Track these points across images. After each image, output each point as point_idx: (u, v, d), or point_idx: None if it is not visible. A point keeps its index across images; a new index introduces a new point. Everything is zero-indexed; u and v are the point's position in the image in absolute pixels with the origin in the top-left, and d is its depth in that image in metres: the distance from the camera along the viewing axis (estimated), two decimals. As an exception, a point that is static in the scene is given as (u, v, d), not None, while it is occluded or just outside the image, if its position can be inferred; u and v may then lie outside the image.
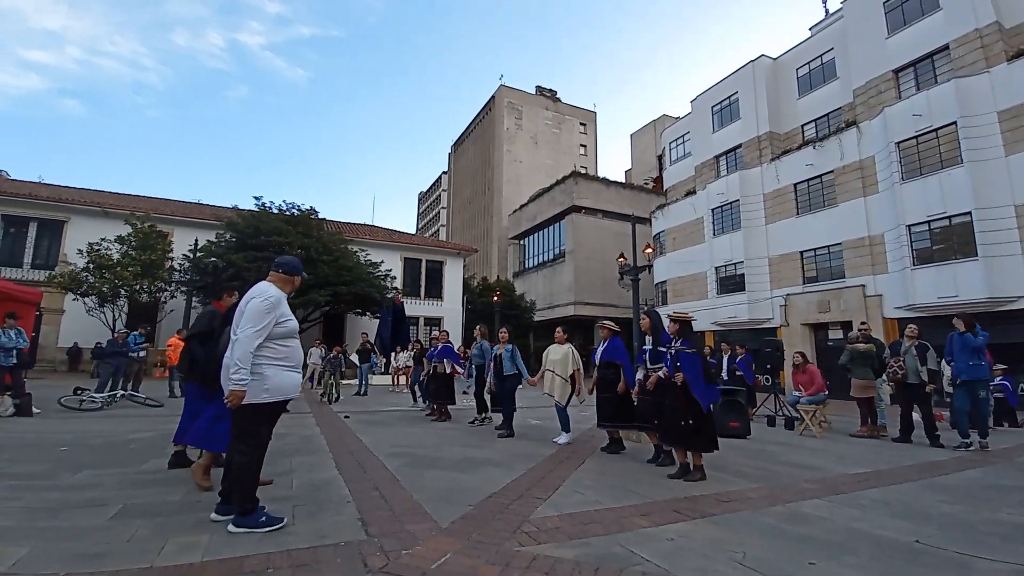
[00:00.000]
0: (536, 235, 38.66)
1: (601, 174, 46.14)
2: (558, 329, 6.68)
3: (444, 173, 75.03)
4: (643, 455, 5.46)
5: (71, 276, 18.96)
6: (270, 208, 22.92)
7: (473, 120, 61.44)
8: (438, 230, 73.04)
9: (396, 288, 24.78)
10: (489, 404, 7.74)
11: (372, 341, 16.27)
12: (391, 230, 33.05)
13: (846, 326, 17.12)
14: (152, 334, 20.76)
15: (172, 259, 21.25)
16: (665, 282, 26.85)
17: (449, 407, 8.54)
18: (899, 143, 16.35)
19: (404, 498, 3.66)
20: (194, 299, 20.09)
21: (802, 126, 22.00)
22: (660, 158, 33.58)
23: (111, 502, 3.33)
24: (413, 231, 75.88)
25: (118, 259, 19.27)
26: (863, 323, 8.81)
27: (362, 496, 3.68)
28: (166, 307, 21.51)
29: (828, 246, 19.16)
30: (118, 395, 9.21)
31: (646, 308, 6.94)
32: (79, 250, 19.76)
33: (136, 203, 24.15)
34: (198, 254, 20.66)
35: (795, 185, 20.54)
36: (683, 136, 28.52)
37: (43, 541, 2.62)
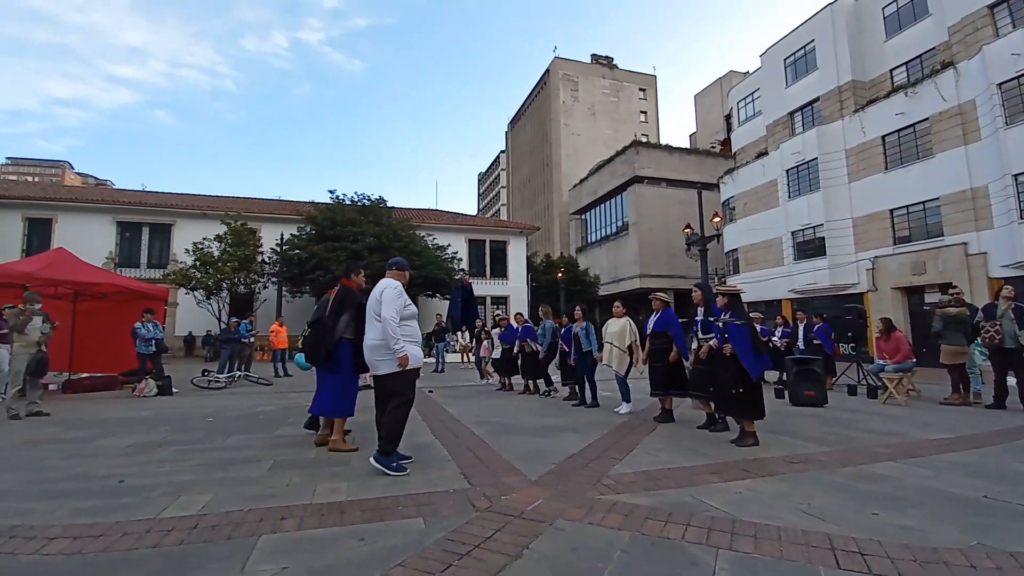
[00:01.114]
0: (598, 209, 38.22)
1: (664, 141, 44.49)
2: (616, 303, 7.03)
3: (502, 152, 75.26)
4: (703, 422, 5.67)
5: (182, 273, 21.43)
6: (343, 200, 24.45)
7: (528, 96, 60.89)
8: (499, 210, 73.78)
9: (463, 270, 25.72)
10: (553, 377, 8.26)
11: (445, 322, 17.22)
12: (454, 213, 34.04)
13: (945, 288, 15.84)
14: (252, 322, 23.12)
15: (262, 253, 23.35)
16: (736, 250, 25.82)
17: (533, 382, 9.01)
18: (1000, 84, 14.61)
19: (495, 457, 4.19)
20: (284, 289, 22.09)
21: (890, 71, 20.03)
22: (728, 119, 31.80)
23: (263, 459, 4.12)
24: (475, 212, 77.17)
25: (218, 255, 21.53)
26: (953, 286, 8.28)
27: (459, 456, 4.25)
28: (260, 297, 23.72)
29: (923, 202, 17.59)
30: (236, 375, 10.59)
31: (699, 281, 7.11)
32: (186, 249, 22.24)
33: (229, 204, 26.56)
34: (284, 247, 22.59)
35: (883, 137, 18.89)
36: (752, 94, 26.86)
37: (221, 489, 3.36)
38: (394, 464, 3.68)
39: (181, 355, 23.53)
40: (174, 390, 9.12)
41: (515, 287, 29.99)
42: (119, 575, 2.13)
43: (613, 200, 35.95)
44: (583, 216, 40.71)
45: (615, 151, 36.54)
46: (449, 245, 26.04)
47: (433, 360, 14.83)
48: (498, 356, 9.79)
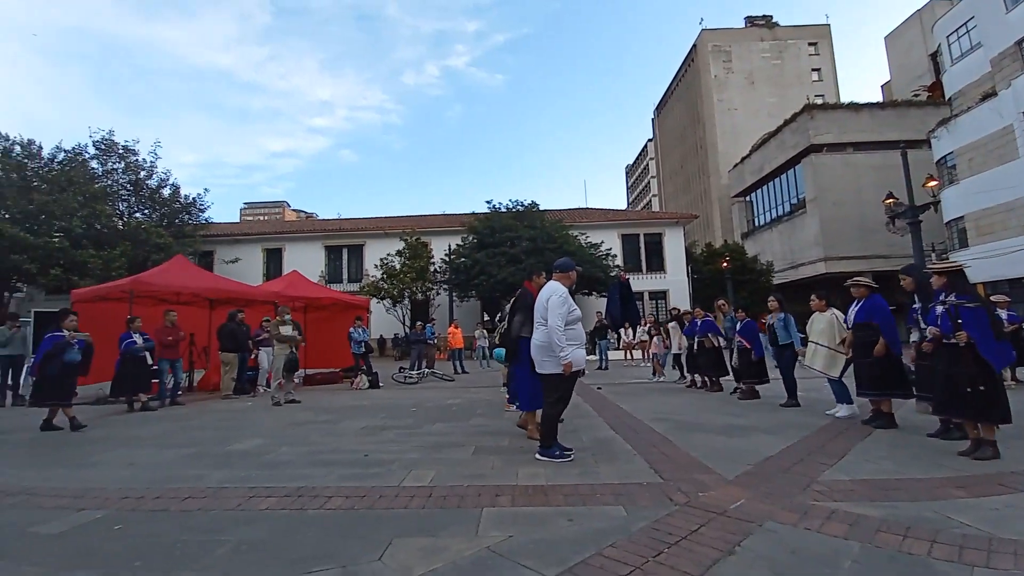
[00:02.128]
0: (764, 188, 34.41)
1: (845, 99, 38.01)
2: (813, 296, 6.12)
3: (649, 141, 72.31)
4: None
5: (373, 285, 25.04)
6: (499, 209, 26.02)
7: (674, 78, 57.53)
8: (650, 201, 71.02)
9: (618, 266, 25.38)
10: (735, 376, 7.67)
11: (605, 318, 17.22)
12: (605, 209, 33.75)
13: None
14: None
15: (434, 263, 26.11)
16: (962, 218, 20.98)
17: (712, 379, 8.58)
18: None
19: (682, 454, 4.11)
20: (454, 294, 24.39)
21: None
22: (934, 58, 25.96)
23: (466, 444, 4.67)
24: (624, 206, 75.40)
25: (399, 268, 24.69)
26: None
27: (644, 451, 4.27)
28: (435, 303, 26.48)
29: None
30: (425, 372, 12.05)
31: (908, 264, 5.82)
32: (375, 265, 25.97)
33: (405, 222, 30.23)
34: (451, 257, 24.95)
35: None
36: (966, 23, 21.58)
37: (441, 467, 3.91)
38: (557, 453, 3.93)
39: (375, 355, 27.51)
40: (380, 384, 10.74)
41: (674, 280, 28.57)
42: (385, 528, 2.66)
43: (784, 176, 32.00)
44: (747, 198, 37.01)
45: (782, 121, 32.43)
46: (602, 242, 25.94)
47: (596, 358, 14.93)
48: (677, 351, 9.58)
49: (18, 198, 21.26)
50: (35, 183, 22.64)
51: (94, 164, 24.75)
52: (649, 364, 14.94)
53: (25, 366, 10.48)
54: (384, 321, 26.06)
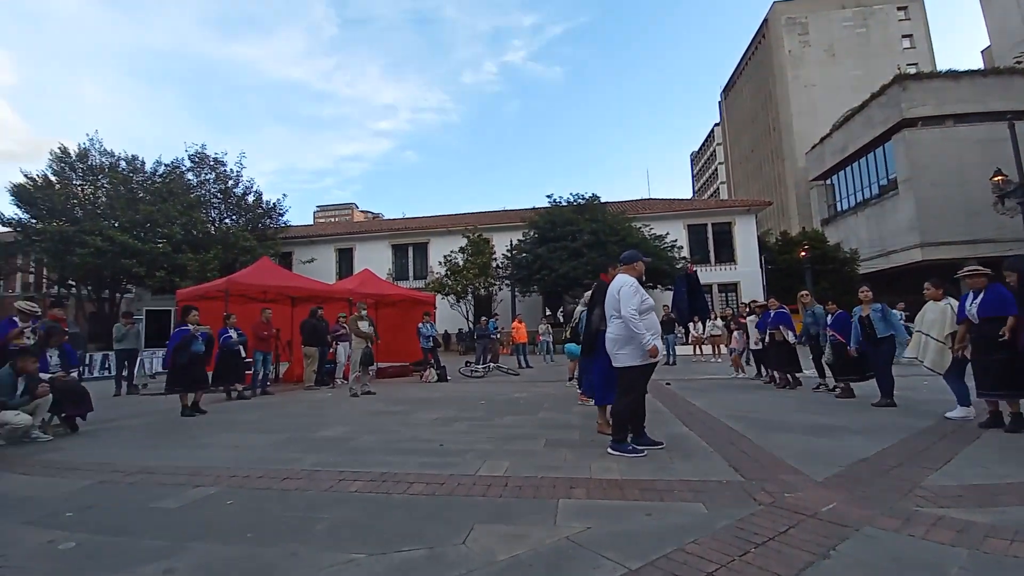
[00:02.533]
0: (848, 170, 31.76)
1: (942, 66, 34.21)
2: (927, 284, 5.48)
3: (716, 125, 68.99)
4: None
5: (438, 282, 25.77)
6: (560, 203, 25.87)
7: (742, 57, 54.38)
8: (717, 189, 67.84)
9: (685, 257, 24.51)
10: (829, 371, 7.16)
11: (672, 312, 16.70)
12: (669, 199, 32.63)
13: None
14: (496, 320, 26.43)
15: (495, 259, 26.44)
16: (1088, 195, 18.29)
17: (787, 375, 8.13)
18: None
19: (763, 453, 3.94)
20: (516, 289, 24.61)
21: None
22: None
23: (537, 437, 4.74)
24: (690, 196, 72.49)
25: (463, 265, 25.23)
26: None
27: (721, 448, 4.13)
28: (497, 298, 26.82)
29: None
30: (490, 366, 12.28)
31: (1010, 259, 5.09)
32: (439, 262, 26.71)
33: (467, 219, 30.81)
34: (513, 252, 25.15)
35: None
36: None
37: (514, 458, 3.99)
38: (629, 448, 3.91)
39: (441, 350, 28.29)
40: (448, 378, 11.07)
41: (746, 271, 27.13)
42: (466, 514, 2.77)
43: (871, 155, 29.37)
44: (827, 181, 34.36)
45: (868, 95, 29.72)
46: (667, 233, 25.14)
47: (664, 353, 14.54)
48: (755, 347, 9.16)
49: (126, 209, 23.82)
50: (140, 195, 25.27)
51: (190, 176, 27.23)
52: (719, 360, 14.38)
53: (138, 358, 11.78)
54: (448, 317, 26.75)
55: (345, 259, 31.58)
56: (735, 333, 10.52)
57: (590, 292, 6.14)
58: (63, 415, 5.56)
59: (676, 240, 25.38)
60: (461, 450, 4.27)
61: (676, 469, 3.55)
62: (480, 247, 25.83)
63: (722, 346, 15.55)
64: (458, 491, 3.18)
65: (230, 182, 27.88)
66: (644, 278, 4.43)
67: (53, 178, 25.01)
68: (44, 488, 3.53)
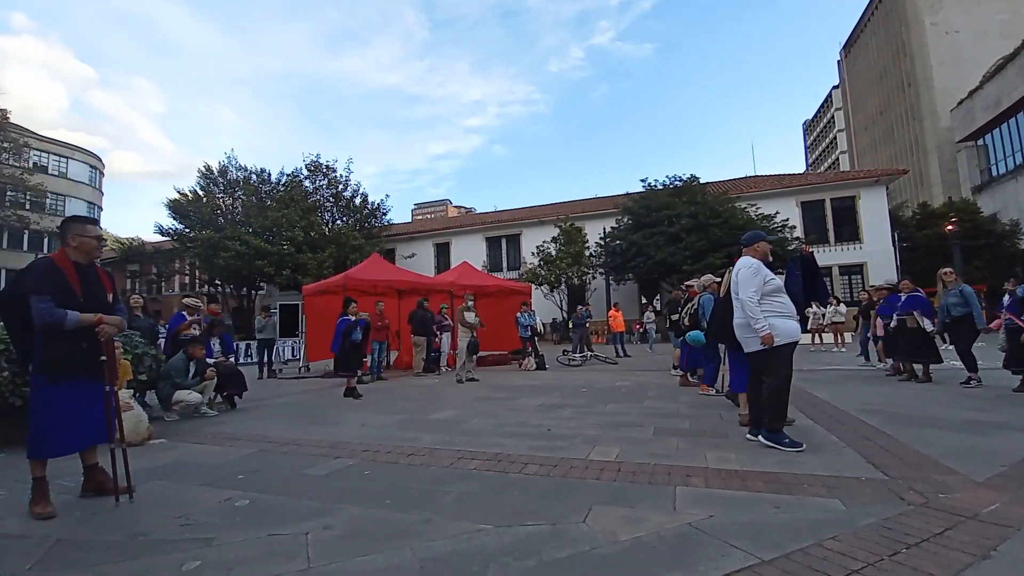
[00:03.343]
0: (1004, 127, 26.91)
1: None
2: None
3: (834, 88, 61.82)
4: None
5: (531, 272, 26.08)
6: (655, 186, 24.85)
7: (867, 7, 47.92)
8: (837, 159, 60.92)
9: (799, 238, 22.41)
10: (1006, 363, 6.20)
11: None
12: (778, 175, 29.91)
13: None
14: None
15: (588, 248, 26.12)
16: None
17: (919, 365, 7.20)
18: None
19: (908, 451, 3.54)
20: (610, 278, 24.15)
21: None
22: None
23: (645, 425, 4.67)
24: (803, 169, 65.87)
25: (555, 255, 25.26)
26: None
27: (855, 443, 3.78)
28: (591, 287, 26.53)
29: None
30: (588, 355, 12.23)
31: None
32: (531, 252, 26.99)
33: (558, 209, 30.77)
34: (606, 240, 24.68)
35: None
36: None
37: (623, 444, 3.97)
38: (786, 441, 3.60)
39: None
40: (547, 366, 11.22)
41: (873, 251, 24.12)
42: (581, 495, 2.83)
43: (1038, 107, 24.58)
44: (979, 142, 29.37)
45: (1021, 41, 24.80)
46: (777, 213, 23.09)
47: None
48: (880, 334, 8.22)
49: (258, 216, 26.99)
50: (268, 203, 28.49)
51: (306, 183, 30.14)
52: (842, 349, 13.05)
53: (275, 346, 13.34)
54: (542, 307, 26.92)
55: (442, 253, 33.08)
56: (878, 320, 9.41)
57: (708, 278, 6.04)
58: (224, 394, 6.51)
59: (788, 219, 23.24)
60: (569, 435, 4.35)
61: (804, 463, 3.31)
62: (572, 236, 25.69)
63: (846, 334, 14.08)
64: (571, 474, 3.26)
65: (340, 186, 30.43)
66: (770, 258, 4.07)
67: (200, 193, 29.13)
68: (216, 455, 4.18)
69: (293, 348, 17.05)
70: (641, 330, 23.77)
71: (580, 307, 13.61)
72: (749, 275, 3.76)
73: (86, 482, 3.14)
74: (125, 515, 2.79)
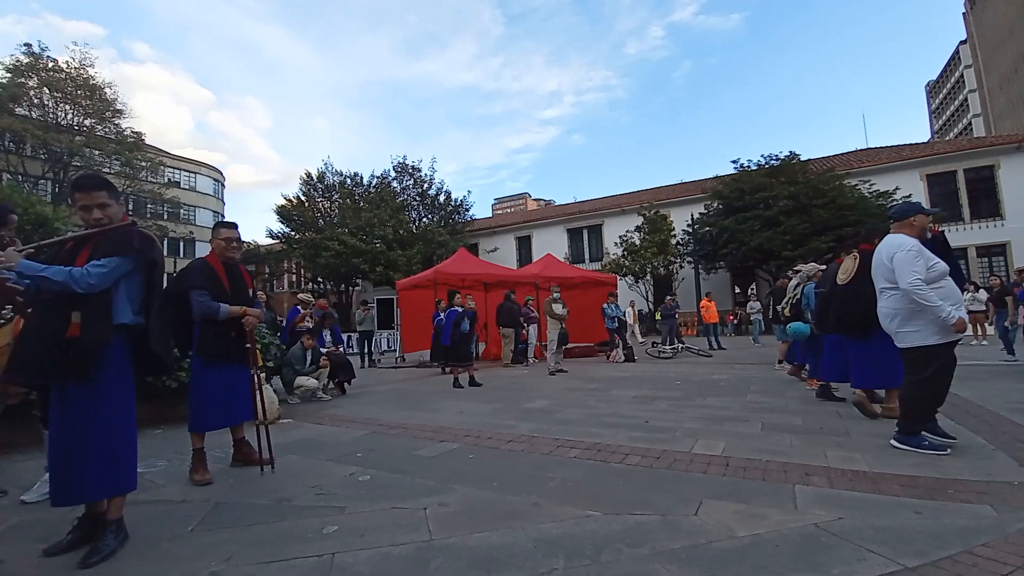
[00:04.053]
0: None
1: None
2: None
3: (962, 43, 53.75)
4: None
5: (614, 263, 25.52)
6: (748, 167, 23.21)
7: (1008, -57, 40.95)
8: (969, 125, 53.05)
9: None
10: None
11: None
12: (896, 146, 26.63)
13: None
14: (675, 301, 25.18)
15: (674, 236, 25.04)
16: None
17: None
18: None
19: (1081, 457, 3.04)
20: (699, 267, 23.00)
21: None
22: None
23: (750, 420, 4.43)
24: (926, 138, 58.15)
25: (639, 244, 24.50)
26: None
27: (1007, 446, 3.31)
28: (678, 276, 25.45)
29: None
30: (679, 347, 11.78)
31: None
32: (614, 243, 26.40)
33: (641, 197, 29.79)
34: (694, 227, 23.50)
35: None
36: None
37: (729, 439, 3.80)
38: (925, 444, 3.23)
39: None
40: (635, 358, 10.97)
41: (1018, 228, 20.76)
42: (689, 488, 2.76)
43: None
44: None
45: None
46: (896, 189, 20.60)
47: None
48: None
49: (352, 216, 28.94)
50: (361, 204, 30.45)
51: (395, 183, 31.81)
52: (984, 341, 11.45)
53: (374, 338, 14.28)
54: (627, 298, 26.35)
55: (524, 246, 33.38)
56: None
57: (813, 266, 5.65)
58: (336, 380, 7.11)
59: (910, 195, 20.59)
60: (669, 427, 4.24)
61: (946, 466, 2.97)
62: (657, 224, 24.75)
63: (985, 324, 12.29)
64: (676, 466, 3.18)
65: (425, 185, 31.76)
66: (929, 235, 3.54)
67: (303, 198, 31.79)
68: (335, 435, 4.59)
69: (388, 340, 18.16)
70: (735, 322, 22.53)
71: (668, 297, 13.12)
72: (908, 259, 3.20)
73: (235, 454, 3.60)
74: (269, 483, 3.17)
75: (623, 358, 10.87)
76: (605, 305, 11.12)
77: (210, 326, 3.25)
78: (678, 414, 4.84)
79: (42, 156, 28.85)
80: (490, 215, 61.20)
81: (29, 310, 2.38)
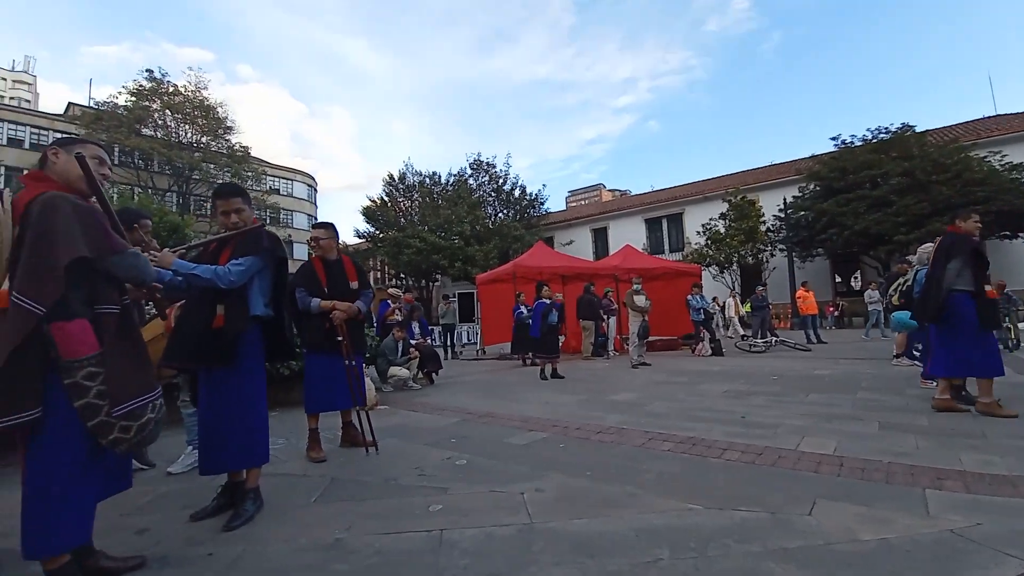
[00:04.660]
0: None
1: None
2: None
3: None
4: None
5: (697, 253, 24.35)
6: (851, 143, 21.10)
7: None
8: None
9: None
10: None
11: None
12: (1037, 110, 22.90)
13: None
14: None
15: (764, 222, 23.38)
16: None
17: None
18: None
19: None
20: (793, 254, 21.30)
21: None
22: None
23: (865, 419, 4.07)
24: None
25: (724, 232, 23.17)
26: None
27: None
28: (768, 265, 23.76)
29: None
30: (772, 341, 11.04)
31: None
32: (697, 231, 25.18)
33: (726, 182, 28.16)
34: (787, 212, 21.77)
35: None
36: None
37: (841, 438, 3.51)
38: None
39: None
40: (723, 351, 10.44)
41: None
42: (800, 487, 2.60)
43: None
44: None
45: None
46: (1035, 159, 17.77)
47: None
48: None
49: (432, 214, 30.05)
50: (439, 202, 31.53)
51: (471, 181, 32.57)
52: None
53: (456, 331, 14.78)
54: (711, 289, 25.03)
55: (600, 238, 32.84)
56: None
57: (929, 247, 5.04)
58: (425, 371, 7.47)
59: (1052, 166, 17.72)
60: (769, 424, 4.00)
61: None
62: (744, 210, 23.25)
63: None
64: (781, 464, 3.01)
65: (500, 180, 32.22)
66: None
67: (385, 199, 33.50)
68: (429, 421, 4.83)
69: (468, 333, 18.69)
70: (836, 313, 20.64)
71: (759, 288, 12.33)
72: None
73: (343, 436, 3.91)
74: (375, 463, 3.41)
75: (710, 352, 10.38)
76: (690, 296, 10.67)
77: (308, 319, 3.58)
78: (778, 410, 4.55)
79: (167, 171, 32.86)
80: (564, 208, 60.78)
81: (168, 309, 2.76)
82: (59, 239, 1.66)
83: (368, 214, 33.00)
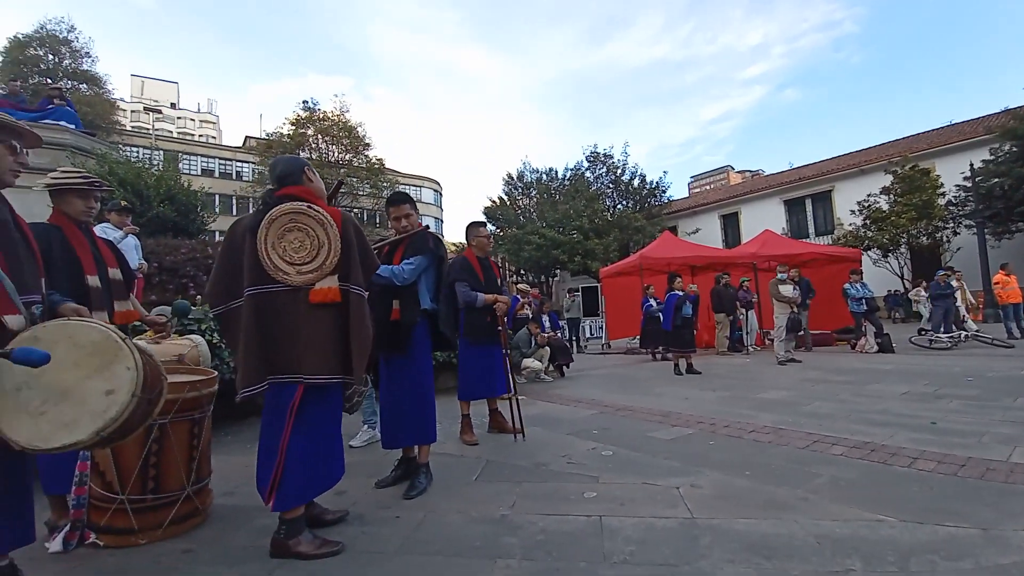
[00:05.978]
0: None
1: None
2: None
3: None
4: None
5: (850, 235, 21.32)
6: (1069, 88, 16.78)
7: None
8: None
9: None
10: None
11: None
12: None
13: None
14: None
15: (943, 194, 19.67)
16: None
17: None
18: None
19: None
20: (985, 231, 17.63)
21: None
22: None
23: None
24: None
25: (888, 209, 19.94)
26: None
27: None
28: (950, 246, 19.96)
29: None
30: (961, 335, 9.29)
31: None
32: (851, 211, 22.01)
33: (887, 150, 24.30)
34: (975, 180, 18.06)
35: None
36: None
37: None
38: None
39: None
40: (893, 347, 9.06)
41: None
42: (1012, 501, 2.20)
43: None
44: None
45: None
46: None
47: None
48: None
49: (550, 210, 30.34)
50: (557, 198, 31.71)
51: (588, 174, 32.26)
52: None
53: (580, 324, 14.82)
54: (873, 276, 21.75)
55: (730, 224, 30.46)
56: None
57: None
58: (556, 363, 7.63)
59: None
60: (970, 432, 3.41)
61: None
62: (915, 182, 19.76)
63: None
64: (990, 476, 2.56)
65: (618, 171, 31.42)
66: None
67: (505, 197, 34.65)
68: (567, 412, 4.93)
69: (591, 327, 18.62)
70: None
71: (941, 273, 10.42)
72: None
73: (491, 422, 4.18)
74: (523, 449, 3.59)
75: (876, 348, 9.06)
76: (847, 285, 9.42)
77: (471, 312, 3.83)
78: (979, 416, 3.85)
79: (321, 187, 37.60)
80: (687, 195, 57.29)
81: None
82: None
83: (489, 213, 34.42)
